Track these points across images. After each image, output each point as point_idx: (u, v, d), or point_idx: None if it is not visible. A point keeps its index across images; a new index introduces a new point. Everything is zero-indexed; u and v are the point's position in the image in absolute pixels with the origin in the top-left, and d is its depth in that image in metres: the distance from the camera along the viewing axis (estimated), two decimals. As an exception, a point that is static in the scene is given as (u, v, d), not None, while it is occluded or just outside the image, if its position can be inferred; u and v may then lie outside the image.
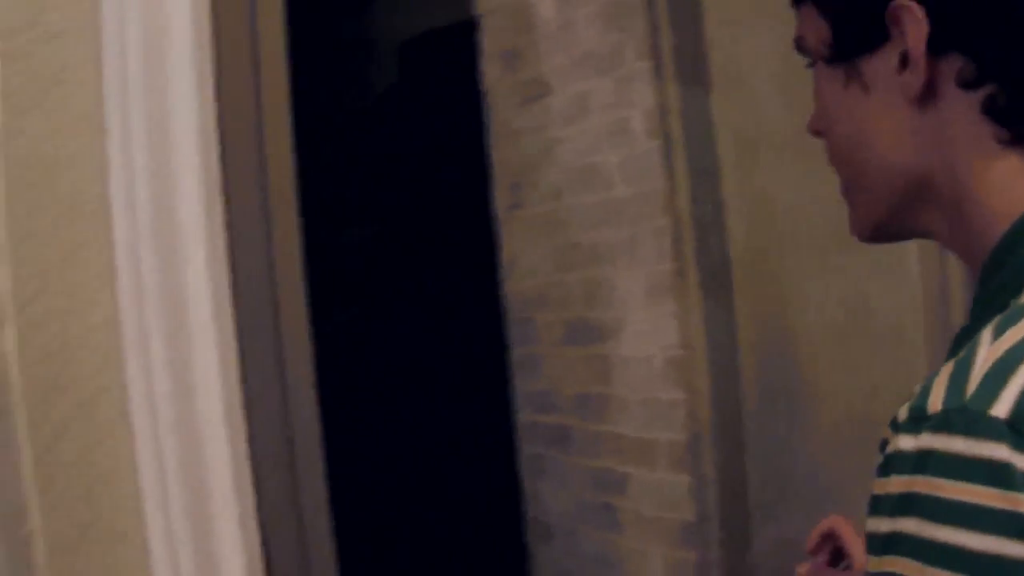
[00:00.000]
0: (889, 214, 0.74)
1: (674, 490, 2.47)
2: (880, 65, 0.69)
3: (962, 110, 0.66)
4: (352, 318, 3.43)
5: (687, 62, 2.40)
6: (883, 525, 0.58)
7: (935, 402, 0.57)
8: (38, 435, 1.05)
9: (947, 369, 0.59)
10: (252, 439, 1.15)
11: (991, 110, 0.65)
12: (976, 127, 0.66)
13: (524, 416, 3.00)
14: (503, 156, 2.95)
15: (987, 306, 0.65)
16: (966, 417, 0.55)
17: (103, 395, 1.08)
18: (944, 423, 0.56)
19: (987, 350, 0.58)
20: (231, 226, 1.14)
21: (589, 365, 2.75)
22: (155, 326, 1.09)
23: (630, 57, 2.45)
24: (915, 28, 0.66)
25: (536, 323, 2.93)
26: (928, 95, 0.67)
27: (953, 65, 0.66)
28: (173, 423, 1.09)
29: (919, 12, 0.65)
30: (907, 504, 0.56)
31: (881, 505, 0.58)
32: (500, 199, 2.99)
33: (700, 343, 2.41)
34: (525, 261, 2.94)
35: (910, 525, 0.56)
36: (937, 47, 0.66)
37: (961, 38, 0.65)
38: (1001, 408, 0.54)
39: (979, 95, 0.65)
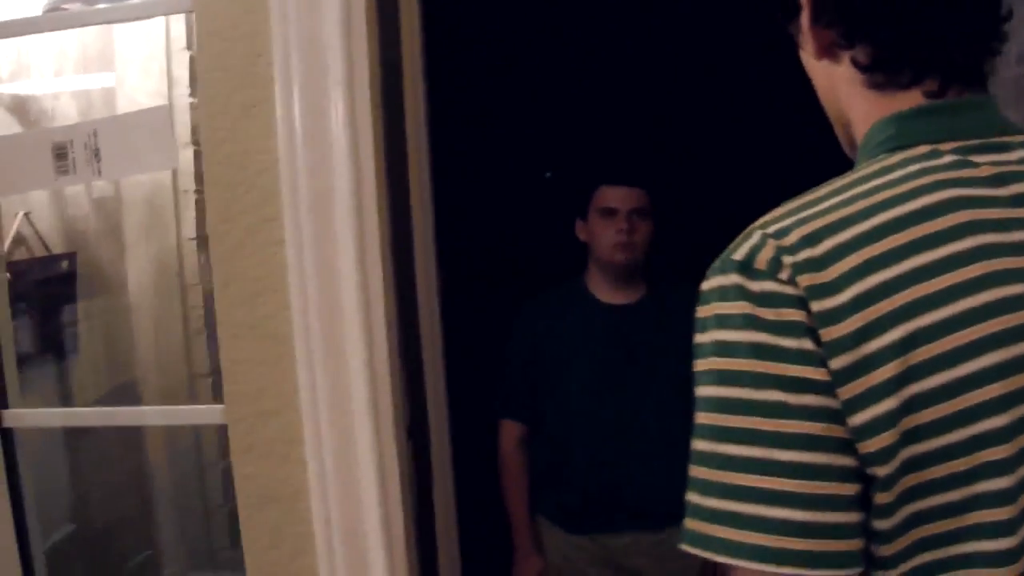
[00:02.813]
0: (849, 148, 0.95)
1: None
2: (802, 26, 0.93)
3: (847, 64, 0.89)
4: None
5: None
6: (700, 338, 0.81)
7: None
8: (222, 246, 1.40)
9: None
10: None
11: (855, 64, 0.88)
12: (852, 74, 0.89)
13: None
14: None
15: None
16: (721, 263, 0.81)
17: (268, 223, 1.38)
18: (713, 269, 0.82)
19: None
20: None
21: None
22: (302, 168, 1.36)
23: None
24: (804, 7, 0.91)
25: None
26: (830, 54, 0.90)
27: (835, 32, 0.88)
28: (312, 238, 1.37)
29: None
30: (703, 324, 0.81)
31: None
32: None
33: None
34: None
35: (705, 337, 0.80)
36: (818, 20, 0.89)
37: (829, 15, 0.88)
38: (738, 255, 0.80)
39: (852, 54, 0.88)
